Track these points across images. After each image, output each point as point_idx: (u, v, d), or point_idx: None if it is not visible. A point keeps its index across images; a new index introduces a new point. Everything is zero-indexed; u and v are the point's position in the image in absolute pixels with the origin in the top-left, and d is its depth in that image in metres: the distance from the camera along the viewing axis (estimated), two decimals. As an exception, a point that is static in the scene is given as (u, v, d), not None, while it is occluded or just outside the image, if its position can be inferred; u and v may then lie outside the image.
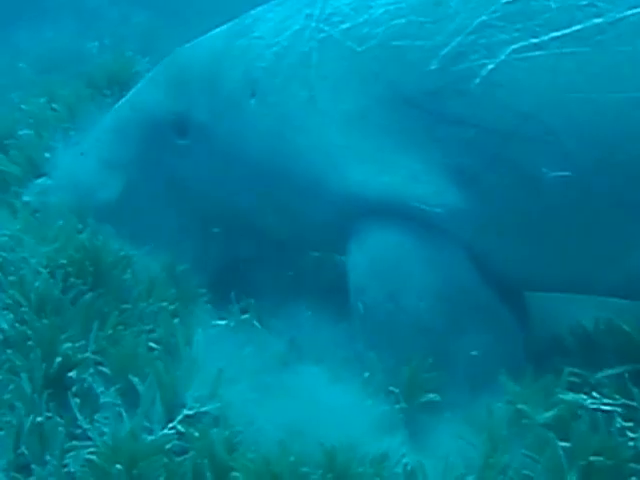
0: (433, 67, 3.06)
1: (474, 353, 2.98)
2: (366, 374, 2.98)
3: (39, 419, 2.71)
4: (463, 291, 3.11)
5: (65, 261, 3.37)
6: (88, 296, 3.23)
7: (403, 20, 3.20)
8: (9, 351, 2.99)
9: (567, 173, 2.84)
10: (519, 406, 2.75)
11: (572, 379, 2.87)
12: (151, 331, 3.24)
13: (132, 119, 3.97)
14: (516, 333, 3.15)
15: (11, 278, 3.34)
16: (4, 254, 3.53)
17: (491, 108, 2.93)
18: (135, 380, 2.85)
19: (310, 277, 3.87)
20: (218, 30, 3.93)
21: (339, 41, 3.33)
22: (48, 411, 2.78)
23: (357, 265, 3.24)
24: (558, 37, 2.86)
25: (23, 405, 2.75)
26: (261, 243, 3.83)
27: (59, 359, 2.91)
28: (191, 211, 3.86)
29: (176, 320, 3.28)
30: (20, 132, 5.01)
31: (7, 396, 2.82)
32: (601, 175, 2.83)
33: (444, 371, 2.98)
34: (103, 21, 9.27)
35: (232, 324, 3.43)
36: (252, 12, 3.83)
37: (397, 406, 2.88)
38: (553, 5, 2.90)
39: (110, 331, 3.15)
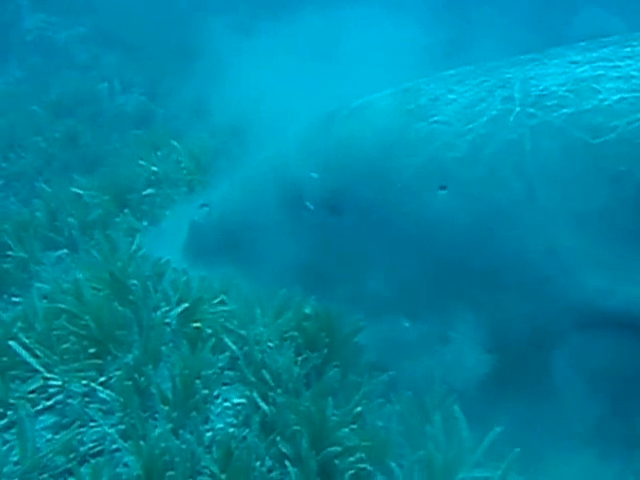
0: (698, 174, 2.74)
1: None
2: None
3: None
4: None
5: (296, 333, 3.11)
6: (333, 372, 2.93)
7: (650, 113, 2.87)
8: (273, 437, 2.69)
9: None
10: None
11: None
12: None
13: (276, 187, 3.59)
14: None
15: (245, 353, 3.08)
16: (232, 327, 3.18)
17: None
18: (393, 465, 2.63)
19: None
20: (381, 102, 3.42)
21: (562, 129, 2.94)
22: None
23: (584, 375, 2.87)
24: None
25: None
26: None
27: (336, 448, 2.61)
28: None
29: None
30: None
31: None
32: None
33: None
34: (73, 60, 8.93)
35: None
36: (421, 86, 3.37)
37: None
38: None
39: (358, 408, 2.84)
